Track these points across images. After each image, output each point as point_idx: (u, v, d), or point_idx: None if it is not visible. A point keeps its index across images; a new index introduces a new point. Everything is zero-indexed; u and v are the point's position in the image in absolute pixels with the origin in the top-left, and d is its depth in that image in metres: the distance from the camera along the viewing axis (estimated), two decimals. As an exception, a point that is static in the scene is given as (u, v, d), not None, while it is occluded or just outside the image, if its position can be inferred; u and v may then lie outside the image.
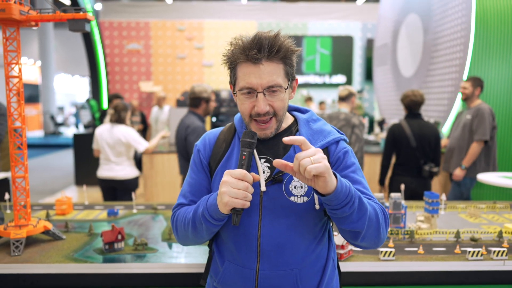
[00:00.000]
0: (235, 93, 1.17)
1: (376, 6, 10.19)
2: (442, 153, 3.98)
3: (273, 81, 1.09)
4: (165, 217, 2.28)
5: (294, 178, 1.14)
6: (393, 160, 3.70)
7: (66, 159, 10.96)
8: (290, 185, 1.14)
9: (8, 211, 2.40)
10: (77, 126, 17.14)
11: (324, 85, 10.97)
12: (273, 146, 1.19)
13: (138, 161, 5.79)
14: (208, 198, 1.13)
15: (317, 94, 10.80)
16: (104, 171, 3.76)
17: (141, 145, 3.75)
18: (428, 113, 5.55)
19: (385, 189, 3.77)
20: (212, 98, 3.40)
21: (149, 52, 10.76)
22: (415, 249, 1.77)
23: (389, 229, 1.89)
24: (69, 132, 17.36)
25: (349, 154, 1.19)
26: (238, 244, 1.17)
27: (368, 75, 10.88)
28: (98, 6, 11.09)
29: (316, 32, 10.94)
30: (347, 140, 1.24)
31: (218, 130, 1.32)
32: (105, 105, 9.03)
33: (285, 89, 1.13)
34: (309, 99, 9.94)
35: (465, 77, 4.47)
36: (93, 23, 8.47)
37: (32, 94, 17.78)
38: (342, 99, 3.71)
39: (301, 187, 1.14)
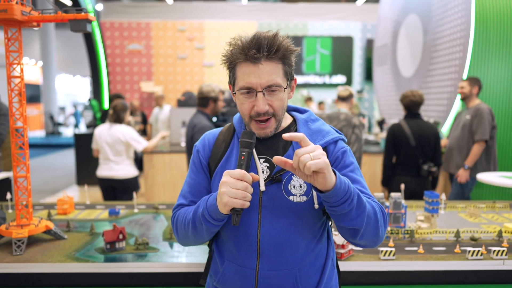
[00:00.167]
0: (234, 93, 1.17)
1: (376, 7, 10.19)
2: (442, 153, 3.98)
3: (272, 80, 1.10)
4: (166, 217, 2.29)
5: (293, 178, 1.15)
6: (393, 160, 3.71)
7: (67, 159, 10.98)
8: (289, 185, 1.14)
9: (10, 211, 2.40)
10: (77, 126, 17.17)
11: (324, 85, 10.98)
12: (272, 146, 1.19)
13: (139, 160, 5.81)
14: (208, 198, 1.14)
15: (317, 94, 10.80)
16: (104, 171, 3.77)
17: (140, 144, 3.77)
18: (427, 113, 5.55)
19: (385, 189, 3.77)
20: (220, 98, 3.45)
21: (150, 53, 10.77)
22: (415, 248, 1.78)
23: (389, 228, 1.91)
24: (68, 132, 17.40)
25: (347, 153, 1.20)
26: (238, 244, 1.17)
27: (368, 75, 10.88)
28: (99, 7, 11.11)
29: (316, 33, 10.95)
30: (346, 140, 1.25)
31: (217, 130, 1.32)
32: (106, 105, 9.05)
33: (284, 88, 1.13)
34: (309, 99, 9.95)
35: (464, 77, 4.48)
36: (94, 23, 8.49)
37: (33, 94, 17.82)
38: (343, 99, 3.69)
39: (300, 186, 1.14)
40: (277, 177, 1.14)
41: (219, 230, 1.22)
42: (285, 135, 0.97)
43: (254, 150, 1.17)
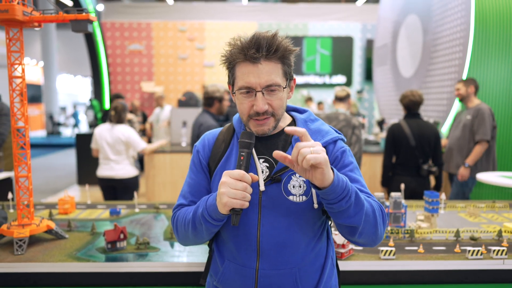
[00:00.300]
0: (234, 93, 1.18)
1: (376, 7, 10.19)
2: (443, 153, 3.99)
3: (271, 80, 1.10)
4: (167, 216, 2.29)
5: (293, 177, 1.15)
6: (393, 160, 3.71)
7: (68, 158, 11.00)
8: (288, 185, 1.15)
9: (11, 211, 2.41)
10: (76, 126, 17.19)
11: (324, 85, 10.98)
12: (272, 146, 1.20)
13: (140, 160, 5.82)
14: (207, 198, 1.14)
15: (317, 94, 10.81)
16: (104, 170, 3.79)
17: (140, 145, 3.80)
18: (427, 113, 5.56)
19: (385, 189, 3.78)
20: (225, 98, 3.48)
21: (151, 53, 10.79)
22: (415, 248, 1.78)
23: (389, 228, 1.91)
24: (67, 132, 17.43)
25: (346, 153, 1.20)
26: (238, 244, 1.18)
27: (368, 76, 10.89)
28: (100, 7, 11.12)
29: (317, 33, 10.95)
30: (345, 140, 1.25)
31: (217, 130, 1.33)
32: (107, 105, 9.07)
33: (284, 88, 1.14)
34: (309, 99, 9.95)
35: (464, 77, 4.48)
36: (95, 24, 8.50)
37: (34, 94, 17.85)
38: (340, 99, 3.70)
39: (300, 186, 1.14)
40: (277, 177, 1.15)
41: (219, 230, 1.23)
42: (288, 129, 0.98)
43: (253, 150, 1.17)
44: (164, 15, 11.19)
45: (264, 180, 1.15)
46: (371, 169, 4.99)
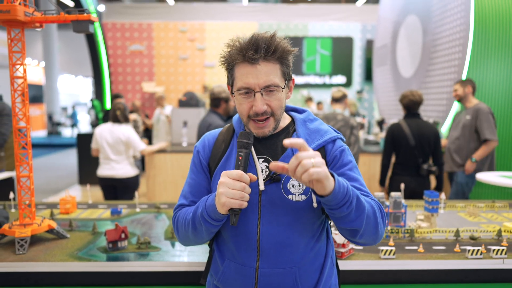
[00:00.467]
0: (233, 94, 1.18)
1: (375, 8, 10.19)
2: (443, 153, 3.99)
3: (270, 80, 1.11)
4: (167, 216, 2.30)
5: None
6: (393, 159, 3.72)
7: (69, 158, 11.02)
8: (288, 184, 1.15)
9: (13, 210, 2.41)
10: (75, 126, 17.22)
11: (324, 85, 10.99)
12: (271, 146, 1.20)
13: (142, 160, 5.83)
14: (206, 199, 1.14)
15: (317, 95, 10.81)
16: (104, 170, 3.81)
17: (139, 145, 3.83)
18: (427, 113, 5.56)
19: (385, 190, 3.78)
20: (231, 98, 3.49)
21: (152, 53, 10.80)
22: (415, 247, 1.78)
23: (389, 227, 1.91)
24: (67, 132, 17.46)
25: (345, 152, 1.21)
26: (238, 243, 1.18)
27: (368, 76, 10.90)
28: (101, 8, 11.13)
29: (317, 33, 10.96)
30: (344, 139, 1.26)
31: (217, 131, 1.33)
32: (108, 105, 9.08)
33: (282, 88, 1.14)
34: (309, 99, 9.96)
35: (464, 77, 4.49)
36: (97, 24, 8.52)
37: (36, 95, 17.87)
38: (337, 100, 3.77)
39: (299, 185, 1.15)
40: (276, 177, 1.15)
41: (220, 229, 1.23)
42: (286, 142, 0.95)
43: (253, 150, 1.18)
44: (165, 15, 11.20)
45: (263, 180, 1.16)
46: (370, 169, 5.00)
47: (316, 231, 1.20)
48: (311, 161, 0.90)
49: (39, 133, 17.37)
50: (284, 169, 0.97)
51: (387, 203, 1.99)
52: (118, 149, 3.77)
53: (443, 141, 4.25)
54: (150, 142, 7.05)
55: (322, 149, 1.20)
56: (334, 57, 10.96)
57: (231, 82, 1.18)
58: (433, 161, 3.54)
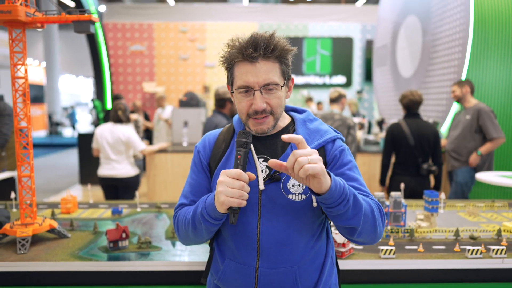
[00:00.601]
0: (233, 92, 1.19)
1: (375, 8, 10.18)
2: (443, 153, 4.00)
3: (269, 79, 1.12)
4: (168, 216, 2.30)
5: None
6: (393, 159, 3.73)
7: (70, 158, 11.04)
8: (288, 183, 1.16)
9: (14, 210, 2.42)
10: (73, 127, 17.24)
11: (324, 85, 10.99)
12: (271, 146, 1.21)
13: (143, 160, 5.83)
14: (206, 198, 1.15)
15: (318, 95, 10.81)
16: (105, 170, 3.82)
17: (139, 145, 3.85)
18: (426, 113, 5.57)
19: (385, 189, 3.79)
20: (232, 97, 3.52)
21: (152, 53, 10.81)
22: (415, 247, 1.79)
23: (389, 227, 1.92)
24: (67, 132, 17.47)
25: (345, 152, 1.21)
26: (238, 242, 1.19)
27: (368, 76, 10.90)
28: (102, 8, 11.15)
29: (317, 34, 10.96)
30: (343, 139, 1.26)
31: (217, 131, 1.34)
32: (109, 105, 9.10)
33: (281, 86, 1.15)
34: (309, 99, 9.97)
35: (463, 77, 4.50)
36: (97, 24, 8.53)
37: (37, 95, 17.89)
38: (333, 100, 3.85)
39: (299, 185, 1.15)
40: (276, 176, 1.16)
41: (220, 229, 1.24)
42: (284, 136, 0.98)
43: (253, 150, 1.18)
44: (165, 16, 11.21)
45: (263, 179, 1.16)
46: (370, 169, 5.00)
47: (316, 230, 1.21)
48: (307, 158, 0.93)
49: (40, 133, 17.39)
50: (282, 167, 0.99)
51: (387, 202, 2.00)
52: (118, 149, 3.79)
53: (443, 141, 4.26)
54: (150, 143, 7.06)
55: (322, 149, 1.21)
56: (334, 57, 10.96)
57: (230, 81, 1.19)
58: (432, 160, 3.55)
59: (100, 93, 9.38)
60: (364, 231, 1.09)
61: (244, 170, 1.06)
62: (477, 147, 3.77)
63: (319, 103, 9.44)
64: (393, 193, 2.00)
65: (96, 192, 5.98)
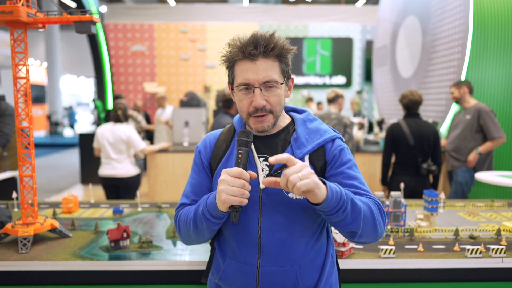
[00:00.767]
0: (233, 90, 1.20)
1: (375, 9, 10.18)
2: (443, 152, 4.00)
3: (269, 76, 1.13)
4: (169, 215, 2.31)
5: None
6: (393, 159, 3.73)
7: (71, 158, 11.06)
8: None
9: (16, 210, 2.44)
10: (72, 127, 17.25)
11: (324, 85, 10.99)
12: (272, 145, 1.22)
13: (144, 160, 5.84)
14: (207, 197, 1.16)
15: (318, 95, 10.81)
16: (106, 170, 3.84)
17: (140, 144, 3.86)
18: (426, 113, 5.57)
19: (386, 188, 3.80)
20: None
21: (153, 54, 10.82)
22: (415, 246, 1.79)
23: (389, 227, 1.92)
24: (66, 132, 17.49)
25: (345, 151, 1.22)
26: (239, 241, 1.19)
27: (368, 76, 10.90)
28: (103, 9, 11.16)
29: (317, 34, 10.96)
30: (343, 139, 1.27)
31: (218, 131, 1.35)
32: (110, 105, 9.11)
33: (281, 84, 1.16)
34: (309, 99, 9.97)
35: (463, 78, 4.51)
36: (99, 25, 8.54)
37: (38, 95, 17.91)
38: (330, 101, 3.95)
39: None
40: (276, 175, 1.16)
41: (221, 228, 1.25)
42: (271, 159, 0.99)
43: (254, 149, 1.19)
44: (166, 16, 11.21)
45: (264, 178, 1.17)
46: (370, 169, 5.01)
47: (316, 229, 1.21)
48: (297, 175, 0.94)
49: (41, 133, 17.42)
50: (277, 184, 1.01)
51: (387, 202, 2.00)
52: (119, 148, 3.81)
53: (443, 141, 4.27)
54: (151, 143, 7.06)
55: (322, 148, 1.21)
56: (334, 58, 10.96)
57: (231, 80, 1.20)
58: (432, 160, 3.55)
59: (101, 93, 9.39)
60: (365, 232, 1.10)
61: (245, 168, 1.07)
62: (477, 147, 3.78)
63: (319, 103, 9.45)
64: (393, 193, 2.01)
65: (97, 192, 5.99)
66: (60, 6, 1.78)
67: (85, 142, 7.07)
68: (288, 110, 1.34)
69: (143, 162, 5.48)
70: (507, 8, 4.33)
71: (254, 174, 1.08)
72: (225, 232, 1.24)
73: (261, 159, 1.20)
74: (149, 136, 7.49)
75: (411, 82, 6.16)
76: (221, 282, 1.25)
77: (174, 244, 1.84)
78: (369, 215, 1.09)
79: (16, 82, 1.72)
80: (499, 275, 1.68)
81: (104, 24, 9.98)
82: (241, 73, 1.14)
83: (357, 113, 7.33)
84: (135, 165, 3.98)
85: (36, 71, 18.07)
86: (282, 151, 1.20)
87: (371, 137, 6.09)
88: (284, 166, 1.16)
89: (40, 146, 13.44)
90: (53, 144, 14.08)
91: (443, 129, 5.03)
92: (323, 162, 1.20)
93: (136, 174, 3.91)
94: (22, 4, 1.64)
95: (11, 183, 3.54)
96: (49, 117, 16.65)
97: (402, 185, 2.38)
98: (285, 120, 1.28)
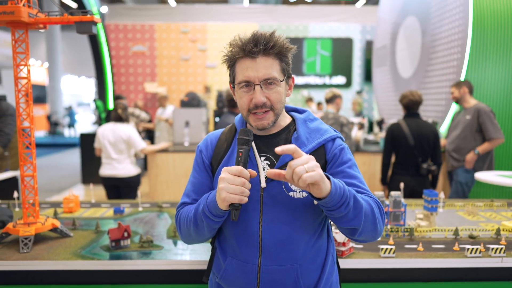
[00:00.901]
0: (234, 87, 1.21)
1: (375, 9, 10.18)
2: (442, 152, 4.01)
3: (269, 74, 1.14)
4: (170, 215, 2.32)
5: None
6: (392, 159, 3.74)
7: (72, 158, 11.08)
8: None
9: (17, 209, 2.44)
10: (72, 126, 17.25)
11: (324, 86, 11.00)
12: (273, 144, 1.22)
13: (144, 159, 5.86)
14: (208, 195, 1.16)
15: (318, 95, 10.82)
16: (106, 170, 3.85)
17: (140, 144, 3.88)
18: (426, 113, 5.58)
19: (386, 188, 3.80)
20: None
21: (154, 54, 10.83)
22: (415, 246, 1.80)
23: (389, 226, 1.93)
24: (66, 132, 17.51)
25: (345, 150, 1.23)
26: (240, 240, 1.19)
27: (368, 76, 10.91)
28: (104, 9, 11.17)
29: (317, 34, 10.97)
30: (343, 139, 1.28)
31: (219, 131, 1.36)
32: (111, 105, 9.13)
33: (281, 81, 1.17)
34: (309, 99, 9.98)
35: (462, 78, 4.51)
36: (100, 25, 8.55)
37: (39, 95, 17.93)
38: (328, 101, 3.98)
39: None
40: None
41: (222, 227, 1.25)
42: (278, 149, 0.98)
43: (255, 149, 1.20)
44: (167, 17, 11.23)
45: (265, 177, 1.17)
46: (370, 168, 5.01)
47: (317, 228, 1.22)
48: (304, 167, 0.93)
49: (41, 133, 17.43)
50: (281, 176, 1.00)
51: (387, 202, 2.00)
52: (119, 147, 3.82)
53: (442, 141, 4.27)
54: (152, 143, 7.07)
55: (322, 148, 1.22)
56: (334, 58, 10.97)
57: (232, 79, 1.21)
58: (432, 160, 3.56)
59: (102, 94, 9.40)
60: (365, 230, 1.10)
61: (245, 167, 1.08)
62: (476, 148, 3.78)
63: (319, 104, 9.46)
64: (392, 193, 2.01)
65: (98, 192, 6.00)
66: (61, 6, 1.79)
67: (86, 142, 7.09)
68: (289, 110, 1.35)
69: (143, 162, 5.49)
70: (506, 8, 4.33)
71: (254, 172, 1.09)
72: (225, 231, 1.25)
73: (262, 158, 1.21)
74: (150, 136, 7.51)
75: (411, 82, 6.17)
76: (222, 281, 1.25)
77: (175, 243, 1.85)
78: (369, 213, 1.10)
79: (18, 82, 1.72)
80: (499, 274, 1.69)
81: (105, 25, 10.00)
82: (241, 71, 1.16)
83: (358, 114, 7.34)
84: (135, 165, 3.99)
85: (37, 71, 18.10)
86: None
87: (371, 137, 6.09)
88: (285, 165, 1.16)
89: (41, 146, 13.46)
90: (54, 144, 14.10)
91: (442, 129, 5.03)
92: (324, 161, 1.21)
93: (136, 174, 3.93)
94: (24, 5, 1.64)
95: (12, 183, 3.55)
96: (48, 117, 16.66)
97: (402, 185, 2.38)
98: (286, 119, 1.28)
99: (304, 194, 1.16)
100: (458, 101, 3.99)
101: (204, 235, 1.22)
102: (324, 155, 1.21)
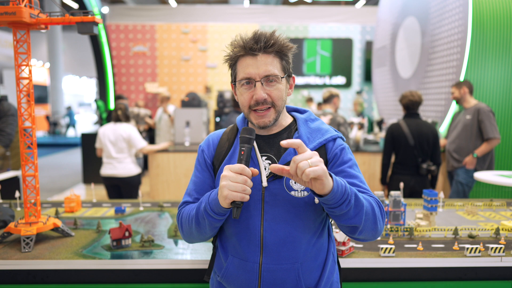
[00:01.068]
0: (235, 85, 1.22)
1: (375, 9, 10.19)
2: (442, 152, 4.01)
3: (269, 71, 1.15)
4: (171, 215, 2.32)
5: None
6: (392, 159, 3.75)
7: (74, 158, 11.09)
8: (290, 180, 1.17)
9: (19, 209, 2.45)
10: (72, 126, 17.26)
11: (324, 86, 11.00)
12: (274, 144, 1.23)
13: (144, 159, 5.87)
14: (210, 194, 1.17)
15: (318, 95, 10.83)
16: (107, 170, 3.86)
17: (140, 143, 3.89)
18: (425, 114, 5.58)
19: (385, 188, 3.81)
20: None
21: (155, 54, 10.84)
22: (415, 245, 1.80)
23: (388, 226, 1.93)
24: (65, 132, 17.53)
25: (345, 150, 1.24)
26: (241, 239, 1.20)
27: (367, 77, 10.91)
28: (105, 10, 11.19)
29: (317, 35, 10.98)
30: (344, 139, 1.28)
31: (221, 131, 1.37)
32: (112, 105, 9.14)
33: (282, 78, 1.18)
34: (310, 99, 9.98)
35: (462, 78, 4.51)
36: (101, 26, 8.56)
37: (41, 95, 17.95)
38: (325, 100, 3.99)
39: None
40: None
41: (223, 226, 1.26)
42: (283, 142, 0.99)
43: (257, 148, 1.20)
44: (168, 17, 11.24)
45: (266, 177, 1.18)
46: (370, 168, 5.02)
47: (318, 227, 1.22)
48: (307, 162, 0.94)
49: (40, 133, 17.44)
50: (284, 171, 1.00)
51: (387, 201, 2.01)
52: (120, 146, 3.84)
53: (442, 141, 4.28)
54: (153, 142, 7.08)
55: (323, 147, 1.23)
56: (334, 58, 10.97)
57: (233, 78, 1.22)
58: (431, 160, 3.56)
59: (103, 94, 9.42)
60: (365, 228, 1.11)
61: (247, 165, 1.08)
62: (477, 146, 3.79)
63: (319, 104, 9.46)
64: (392, 192, 2.02)
65: (99, 191, 6.02)
66: (62, 7, 1.79)
67: (87, 141, 7.10)
68: (290, 110, 1.36)
69: (142, 161, 5.50)
70: (506, 9, 4.34)
71: (256, 170, 1.09)
72: (227, 230, 1.25)
73: (264, 157, 1.21)
74: (150, 136, 7.51)
75: (411, 83, 6.17)
76: (223, 280, 1.25)
77: (176, 243, 1.85)
78: (370, 212, 1.10)
79: (19, 82, 1.72)
80: (498, 274, 1.69)
81: (106, 25, 10.01)
82: (242, 68, 1.17)
83: (359, 114, 7.34)
84: (136, 164, 4.01)
85: (38, 71, 18.11)
86: (285, 150, 1.21)
87: (371, 137, 6.10)
88: (286, 164, 1.17)
89: (43, 146, 13.48)
90: (55, 144, 14.12)
91: (442, 129, 5.04)
92: (324, 161, 1.21)
93: (137, 173, 3.94)
94: (25, 5, 1.65)
95: (14, 183, 3.56)
96: (48, 118, 16.68)
97: (401, 184, 2.38)
98: (287, 119, 1.29)
99: (305, 193, 1.17)
100: (458, 101, 4.00)
101: (205, 234, 1.22)
102: (325, 155, 1.22)
